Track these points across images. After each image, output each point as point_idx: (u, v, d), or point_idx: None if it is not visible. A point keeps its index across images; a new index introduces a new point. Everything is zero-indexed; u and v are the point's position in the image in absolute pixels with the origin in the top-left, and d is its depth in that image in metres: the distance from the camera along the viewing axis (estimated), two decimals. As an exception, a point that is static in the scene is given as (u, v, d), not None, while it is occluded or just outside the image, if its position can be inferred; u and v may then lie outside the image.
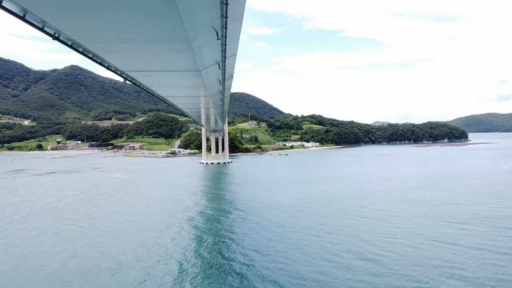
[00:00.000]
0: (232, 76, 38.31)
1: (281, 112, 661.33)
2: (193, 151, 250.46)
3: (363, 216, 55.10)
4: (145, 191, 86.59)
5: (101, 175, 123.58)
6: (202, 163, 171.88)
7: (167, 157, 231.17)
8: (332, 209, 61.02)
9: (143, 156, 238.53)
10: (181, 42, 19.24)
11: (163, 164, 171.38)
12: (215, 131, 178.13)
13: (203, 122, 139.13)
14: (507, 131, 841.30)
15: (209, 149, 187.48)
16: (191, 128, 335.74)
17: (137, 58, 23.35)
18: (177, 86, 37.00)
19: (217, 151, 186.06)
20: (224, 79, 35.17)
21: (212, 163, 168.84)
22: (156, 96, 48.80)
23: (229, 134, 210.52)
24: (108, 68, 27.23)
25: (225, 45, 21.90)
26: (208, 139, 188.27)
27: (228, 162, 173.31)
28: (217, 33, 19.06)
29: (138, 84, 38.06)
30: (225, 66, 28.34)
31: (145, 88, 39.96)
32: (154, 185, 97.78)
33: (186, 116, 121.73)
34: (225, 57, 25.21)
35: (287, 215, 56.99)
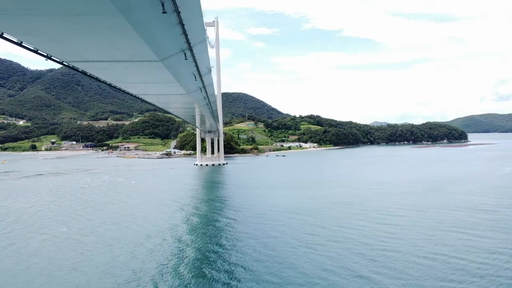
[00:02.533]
0: (210, 71, 33.40)
1: (279, 112, 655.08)
2: (188, 152, 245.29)
3: (364, 224, 50.55)
4: (130, 196, 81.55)
5: (88, 178, 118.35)
6: (197, 164, 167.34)
7: (162, 158, 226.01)
8: (332, 215, 56.38)
9: (137, 157, 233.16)
10: (113, 15, 14.23)
11: (156, 166, 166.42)
12: (210, 131, 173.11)
13: (197, 123, 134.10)
14: (506, 132, 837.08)
15: (204, 150, 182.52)
16: (188, 129, 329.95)
17: (66, 42, 18.21)
18: (144, 82, 31.86)
19: (212, 152, 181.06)
20: (200, 74, 30.10)
21: (207, 165, 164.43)
22: (131, 95, 43.80)
23: (225, 134, 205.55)
24: (49, 58, 22.16)
25: (183, 24, 16.93)
26: (203, 140, 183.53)
27: (223, 164, 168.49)
28: (162, 5, 14.09)
29: (103, 80, 33.06)
30: (194, 55, 23.27)
31: (113, 85, 34.93)
32: (141, 189, 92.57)
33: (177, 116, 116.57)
34: (189, 43, 20.18)
35: (279, 223, 52.35)
